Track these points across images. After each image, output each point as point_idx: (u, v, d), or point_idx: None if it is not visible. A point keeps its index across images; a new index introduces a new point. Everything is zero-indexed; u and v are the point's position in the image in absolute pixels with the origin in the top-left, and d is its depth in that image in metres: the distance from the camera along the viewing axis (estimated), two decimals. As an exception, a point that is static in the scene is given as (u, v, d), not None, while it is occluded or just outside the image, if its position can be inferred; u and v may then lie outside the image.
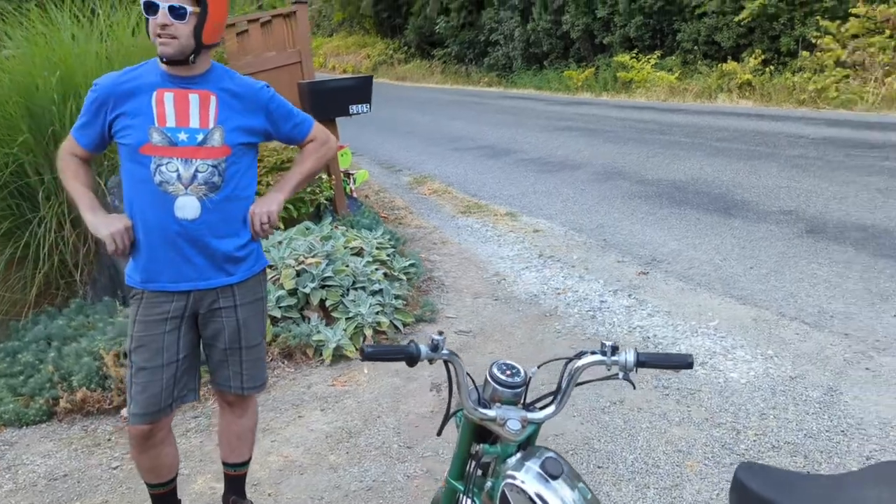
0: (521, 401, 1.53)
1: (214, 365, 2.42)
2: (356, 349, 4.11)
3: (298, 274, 4.36)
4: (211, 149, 2.17)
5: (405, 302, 4.56)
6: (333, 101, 5.93)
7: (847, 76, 12.47)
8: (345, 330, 4.15)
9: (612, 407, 3.31)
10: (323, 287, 4.35)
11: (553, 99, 17.75)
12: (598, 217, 6.49)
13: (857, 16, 12.61)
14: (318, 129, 2.47)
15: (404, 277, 4.78)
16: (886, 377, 3.34)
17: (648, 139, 10.20)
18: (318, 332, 4.12)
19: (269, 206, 2.27)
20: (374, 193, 7.99)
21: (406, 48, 33.68)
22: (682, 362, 1.51)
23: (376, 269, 4.61)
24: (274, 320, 4.16)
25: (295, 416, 3.54)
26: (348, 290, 4.39)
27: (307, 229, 4.98)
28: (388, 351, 1.47)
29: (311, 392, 3.76)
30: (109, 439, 3.45)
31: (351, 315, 4.22)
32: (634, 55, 17.37)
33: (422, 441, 3.20)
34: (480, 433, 1.59)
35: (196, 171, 2.15)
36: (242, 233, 2.29)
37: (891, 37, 12.16)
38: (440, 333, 1.48)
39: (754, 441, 2.94)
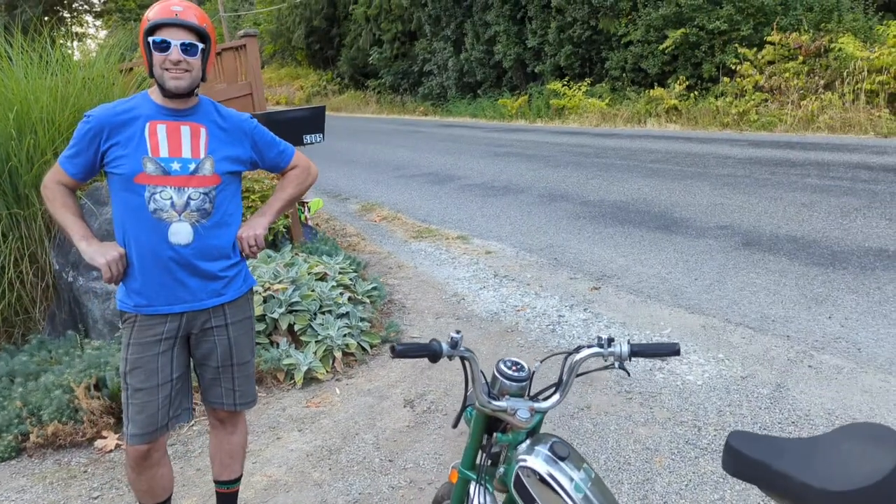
0: (527, 393, 1.68)
1: (207, 383, 2.50)
2: (327, 371, 4.19)
3: (265, 300, 4.41)
4: (202, 177, 2.28)
5: (370, 324, 4.67)
6: (287, 131, 5.99)
7: (765, 100, 13.27)
8: (314, 353, 4.22)
9: (581, 413, 3.48)
10: (290, 312, 4.42)
11: (489, 126, 18.17)
12: (547, 237, 6.74)
13: (772, 43, 13.48)
14: (299, 156, 2.61)
15: (368, 300, 4.89)
16: (827, 373, 3.63)
17: (586, 163, 10.61)
18: (289, 356, 4.18)
19: (255, 229, 2.39)
20: (325, 222, 8.07)
21: (339, 79, 33.92)
22: (670, 350, 1.69)
23: (341, 294, 4.71)
24: (243, 346, 4.20)
25: (273, 437, 3.59)
26: (315, 314, 4.47)
27: (269, 257, 5.04)
28: (415, 348, 1.60)
29: (287, 414, 3.81)
30: (85, 471, 3.41)
31: (320, 338, 4.30)
32: (566, 83, 18.01)
33: (402, 454, 3.30)
34: (490, 426, 1.73)
35: (189, 198, 2.25)
36: (232, 255, 2.41)
37: (803, 62, 13.03)
38: (458, 332, 1.62)
39: (714, 436, 3.16)
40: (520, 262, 6.09)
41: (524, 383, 1.67)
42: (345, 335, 4.37)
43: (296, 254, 5.31)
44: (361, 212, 8.89)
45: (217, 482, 2.70)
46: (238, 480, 2.72)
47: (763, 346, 4.00)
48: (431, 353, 1.59)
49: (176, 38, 2.17)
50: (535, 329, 4.55)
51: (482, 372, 1.67)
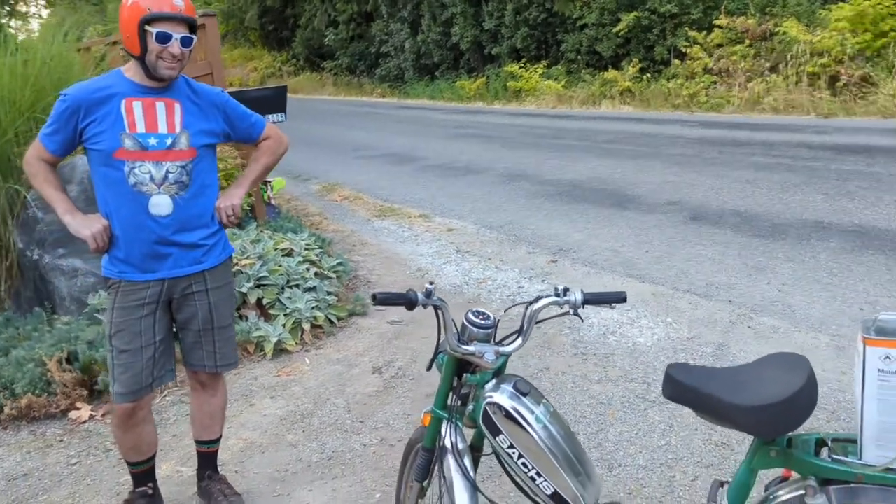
0: (493, 339, 1.88)
1: (188, 346, 2.63)
2: (296, 343, 4.34)
3: (234, 275, 4.53)
4: (179, 151, 2.39)
5: (337, 298, 4.82)
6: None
7: (714, 82, 13.67)
8: (284, 325, 4.37)
9: (540, 373, 3.71)
10: (258, 286, 4.55)
11: (448, 108, 18.31)
12: (506, 215, 6.96)
13: (720, 27, 13.87)
14: (271, 127, 2.73)
15: (334, 275, 5.04)
16: (764, 332, 3.93)
17: (543, 143, 10.86)
18: (258, 328, 4.32)
19: (232, 199, 2.54)
20: (286, 202, 8.15)
21: (295, 60, 33.52)
22: (618, 297, 1.90)
23: (308, 269, 4.85)
24: (214, 320, 4.32)
25: (246, 404, 3.74)
26: (283, 288, 4.61)
27: (234, 234, 5.14)
28: (393, 296, 1.78)
29: (259, 383, 3.96)
30: (61, 440, 3.52)
31: (288, 311, 4.44)
32: (523, 65, 18.21)
33: (372, 416, 3.49)
34: (460, 369, 1.93)
35: (167, 171, 2.36)
36: (210, 224, 2.53)
37: (750, 46, 13.46)
38: (431, 283, 1.81)
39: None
40: (481, 238, 6.29)
41: (490, 330, 1.86)
42: (312, 308, 4.52)
43: (261, 231, 5.42)
44: (322, 192, 8.99)
45: (198, 442, 2.86)
46: (218, 441, 2.88)
47: (707, 311, 4.28)
48: (408, 301, 1.77)
49: (177, 32, 2.27)
50: (496, 300, 4.77)
51: (453, 321, 1.86)
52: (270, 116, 6.13)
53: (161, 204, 2.37)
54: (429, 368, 1.97)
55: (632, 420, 3.20)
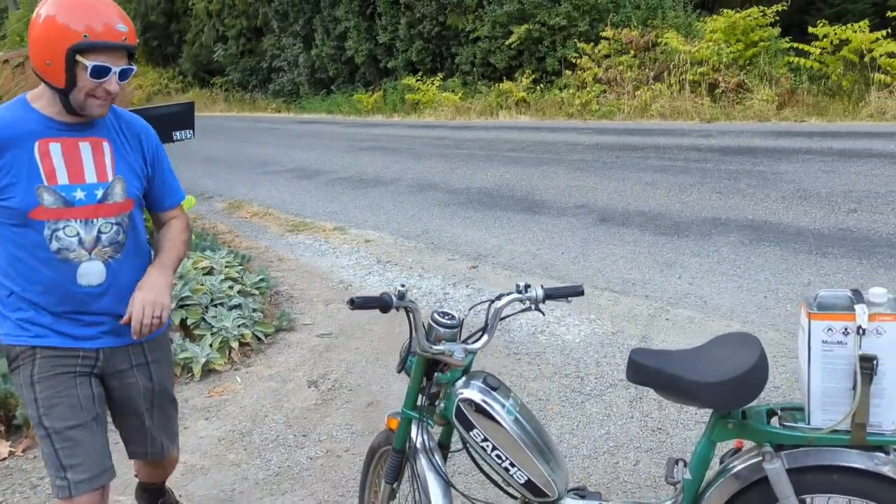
0: (459, 337, 1.94)
1: (129, 433, 2.20)
2: (224, 362, 4.24)
3: (154, 297, 4.38)
4: (112, 205, 1.94)
5: (263, 315, 4.75)
6: (155, 128, 5.91)
7: (604, 91, 14.32)
8: (211, 345, 4.26)
9: (477, 376, 3.80)
10: (182, 307, 4.42)
11: (347, 122, 18.27)
12: (421, 224, 7.04)
13: (606, 38, 14.54)
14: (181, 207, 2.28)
15: (256, 292, 4.96)
16: (681, 323, 4.18)
17: (448, 154, 11.03)
18: (185, 349, 4.20)
19: (160, 296, 1.92)
20: (193, 221, 7.91)
21: (182, 77, 32.50)
22: (576, 291, 2.01)
23: (231, 287, 4.75)
24: (136, 344, 4.17)
25: (180, 428, 3.62)
26: (207, 307, 4.50)
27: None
28: (371, 300, 1.81)
29: (190, 405, 3.84)
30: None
31: (215, 330, 4.34)
32: (419, 78, 18.42)
33: (314, 429, 3.47)
34: (428, 370, 1.98)
35: (99, 231, 1.91)
36: None
37: (634, 56, 14.19)
38: (403, 285, 1.86)
39: (596, 382, 3.58)
40: (399, 248, 6.34)
41: (456, 329, 1.93)
42: (239, 326, 4.43)
43: (177, 251, 5.25)
44: (229, 209, 8.78)
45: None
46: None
47: (627, 306, 4.51)
48: (383, 304, 1.81)
49: (116, 65, 1.82)
50: (424, 307, 4.82)
51: (423, 322, 1.91)
52: (178, 134, 5.96)
53: (92, 272, 1.92)
54: (399, 371, 2.01)
55: (571, 413, 3.34)
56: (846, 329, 1.58)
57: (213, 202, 9.35)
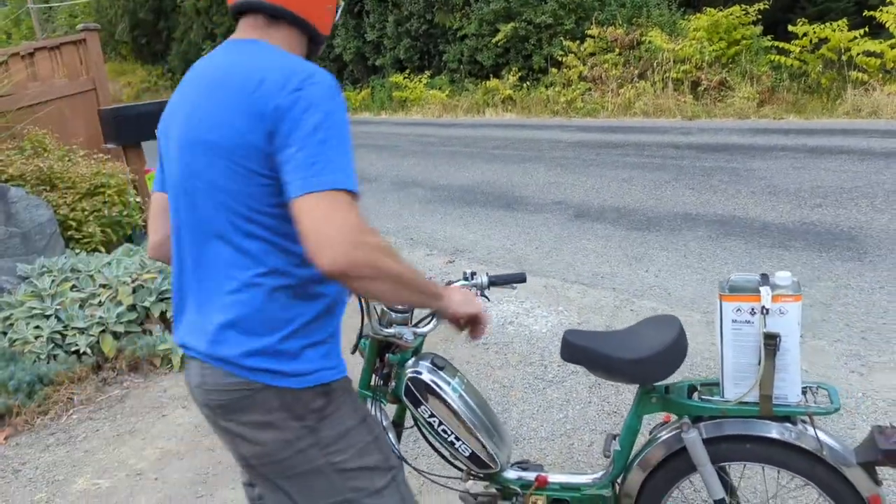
0: (409, 322, 2.08)
1: None
2: (203, 353, 4.37)
3: (135, 290, 4.50)
4: None
5: (242, 307, 4.87)
6: (139, 126, 6.03)
7: (589, 89, 14.48)
8: (190, 337, 4.39)
9: (446, 365, 3.94)
10: (161, 300, 4.54)
11: (335, 119, 18.32)
12: (402, 220, 7.18)
13: (591, 36, 14.70)
14: None
15: (237, 285, 5.07)
16: (644, 314, 4.33)
17: (432, 151, 11.17)
18: (164, 341, 4.32)
19: None
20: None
21: (171, 74, 32.49)
22: (519, 278, 2.16)
23: (210, 280, 4.87)
24: (117, 335, 4.29)
25: (158, 416, 3.76)
26: (187, 300, 4.62)
27: (131, 251, 5.09)
28: None
29: (169, 395, 3.98)
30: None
31: (194, 322, 4.46)
32: (407, 75, 18.55)
33: (288, 416, 3.60)
34: (381, 352, 2.12)
35: None
36: None
37: (619, 54, 14.35)
38: None
39: (558, 370, 3.73)
40: (378, 243, 6.46)
41: (406, 314, 2.06)
42: (219, 318, 4.55)
43: (159, 246, 5.37)
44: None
45: None
46: None
47: (594, 298, 4.66)
48: None
49: None
50: (398, 300, 4.96)
51: (374, 307, 2.05)
52: (161, 131, 6.08)
53: None
54: (353, 352, 2.15)
55: (532, 399, 3.48)
56: (752, 309, 1.73)
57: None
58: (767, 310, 1.71)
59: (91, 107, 6.44)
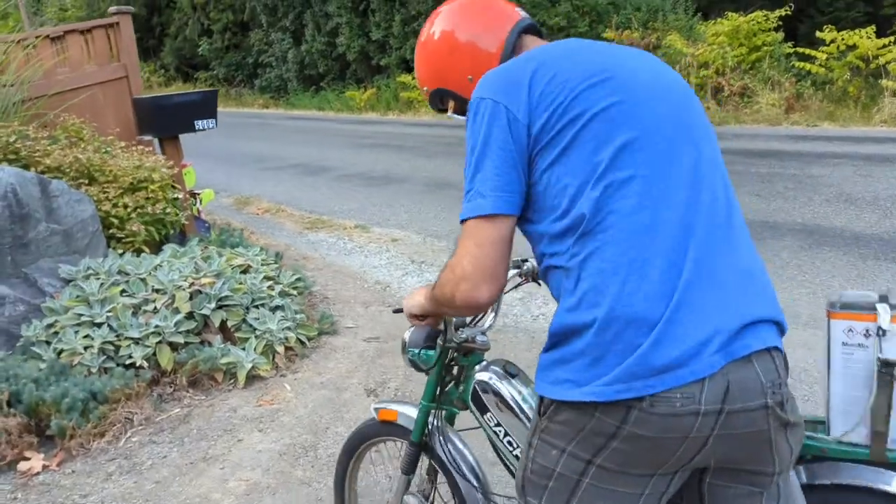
0: (469, 323, 1.87)
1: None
2: (269, 368, 3.95)
3: (192, 296, 4.06)
4: None
5: (306, 317, 4.44)
6: (177, 116, 5.60)
7: (607, 92, 14.17)
8: (255, 349, 3.96)
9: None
10: (221, 307, 4.10)
11: (340, 119, 17.93)
12: (448, 224, 6.77)
13: (609, 40, 14.41)
14: None
15: (294, 292, 4.65)
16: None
17: (456, 152, 10.77)
18: (227, 353, 3.89)
19: None
20: (207, 215, 7.55)
21: (164, 71, 31.84)
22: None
23: (270, 286, 4.44)
24: (174, 346, 3.85)
25: (233, 440, 3.33)
26: (248, 308, 4.19)
27: (177, 251, 4.64)
28: None
29: (239, 415, 3.54)
30: (15, 498, 2.98)
31: (259, 333, 4.04)
32: (415, 76, 18.14)
33: (386, 443, 3.19)
34: (448, 362, 1.89)
35: None
36: None
37: (638, 58, 14.07)
38: None
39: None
40: (430, 247, 6.06)
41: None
42: (284, 328, 4.13)
43: (205, 247, 4.93)
44: (238, 205, 8.43)
45: None
46: None
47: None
48: None
49: None
50: (472, 310, 4.56)
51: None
52: (200, 123, 5.65)
53: None
54: (426, 370, 1.91)
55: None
56: (867, 330, 1.39)
57: (219, 197, 8.96)
58: (885, 331, 1.36)
59: (123, 95, 5.97)
